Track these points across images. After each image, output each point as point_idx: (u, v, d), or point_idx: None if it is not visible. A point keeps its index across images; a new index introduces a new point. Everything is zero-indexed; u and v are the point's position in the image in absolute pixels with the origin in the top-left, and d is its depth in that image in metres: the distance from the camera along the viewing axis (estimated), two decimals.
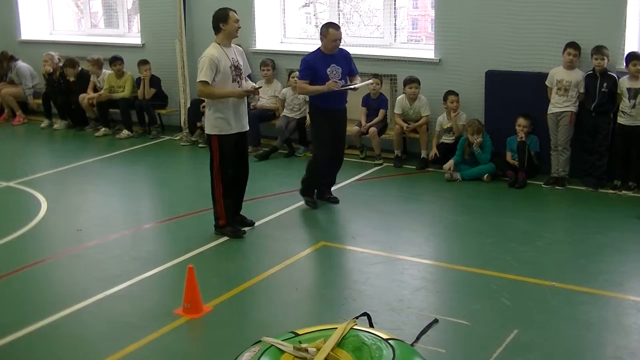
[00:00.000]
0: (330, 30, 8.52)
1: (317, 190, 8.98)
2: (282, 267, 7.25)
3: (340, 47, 8.68)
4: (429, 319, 5.97)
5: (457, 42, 10.50)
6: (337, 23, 9.20)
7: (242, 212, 8.27)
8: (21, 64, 14.22)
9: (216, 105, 7.81)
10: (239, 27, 7.92)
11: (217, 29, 7.84)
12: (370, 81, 9.24)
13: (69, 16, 15.58)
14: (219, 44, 7.83)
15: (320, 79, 8.50)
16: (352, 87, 8.74)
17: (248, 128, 8.09)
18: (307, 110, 9.15)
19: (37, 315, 6.27)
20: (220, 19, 7.82)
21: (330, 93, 8.49)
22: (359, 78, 8.91)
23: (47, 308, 6.42)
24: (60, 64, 13.48)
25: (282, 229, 8.31)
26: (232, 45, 7.96)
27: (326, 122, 8.67)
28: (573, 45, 9.42)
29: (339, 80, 8.56)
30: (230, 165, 7.91)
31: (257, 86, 8.21)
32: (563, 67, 9.50)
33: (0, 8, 14.84)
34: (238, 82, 7.87)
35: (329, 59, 8.57)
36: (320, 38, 8.65)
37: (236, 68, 7.85)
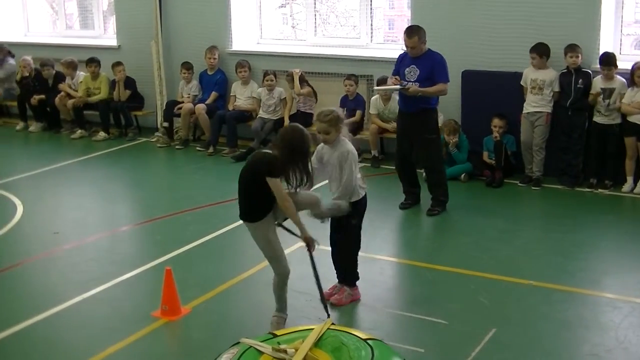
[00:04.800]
0: (403, 37, 8.56)
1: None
2: (261, 269, 7.21)
3: (435, 52, 8.65)
4: (406, 318, 5.98)
5: (433, 42, 10.41)
6: (411, 27, 8.73)
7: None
8: (13, 62, 13.88)
9: None
10: None
11: None
12: (397, 87, 8.59)
13: (44, 18, 15.45)
14: None
15: (400, 76, 8.58)
16: (391, 87, 8.94)
17: None
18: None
19: (13, 320, 6.21)
20: None
21: (401, 94, 8.63)
22: (440, 85, 8.51)
23: (23, 312, 6.36)
24: (34, 67, 13.36)
25: None
26: None
27: (400, 123, 8.92)
28: (533, 49, 9.49)
29: (413, 82, 8.44)
30: None
31: None
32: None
33: None
34: None
35: (412, 59, 8.55)
36: None
37: None
